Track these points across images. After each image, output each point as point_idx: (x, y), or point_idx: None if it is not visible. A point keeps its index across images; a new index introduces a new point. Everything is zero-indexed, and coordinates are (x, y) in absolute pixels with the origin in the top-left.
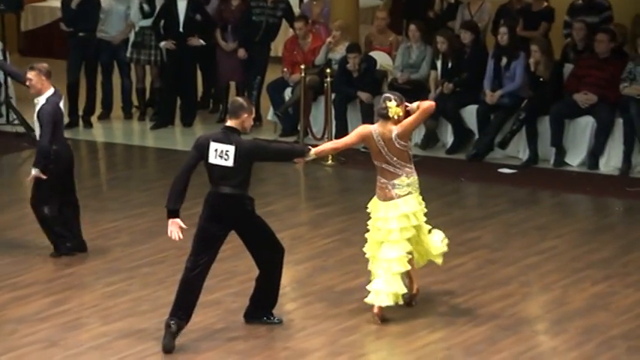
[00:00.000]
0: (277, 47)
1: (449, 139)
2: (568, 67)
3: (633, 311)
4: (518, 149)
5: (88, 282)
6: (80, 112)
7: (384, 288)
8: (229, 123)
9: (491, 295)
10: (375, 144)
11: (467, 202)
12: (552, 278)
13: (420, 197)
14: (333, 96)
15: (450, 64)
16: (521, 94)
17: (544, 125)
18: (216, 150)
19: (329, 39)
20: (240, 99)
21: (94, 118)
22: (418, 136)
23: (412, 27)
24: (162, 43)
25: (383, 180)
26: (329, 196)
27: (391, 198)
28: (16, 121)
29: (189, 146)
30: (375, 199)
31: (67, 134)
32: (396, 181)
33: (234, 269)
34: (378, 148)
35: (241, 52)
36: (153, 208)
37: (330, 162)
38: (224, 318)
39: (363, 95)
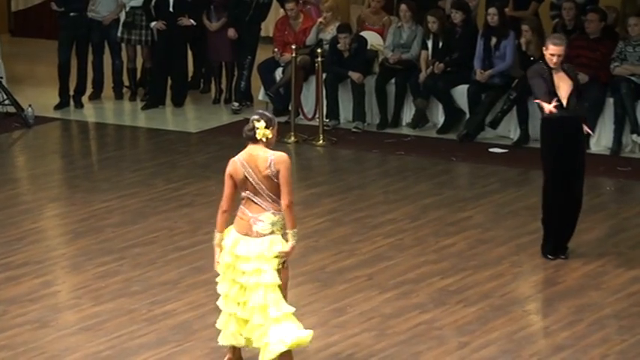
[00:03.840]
0: (268, 27)
1: (440, 119)
2: None
3: (625, 290)
4: (509, 129)
5: (79, 263)
6: (71, 92)
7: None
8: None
9: (483, 275)
10: (241, 171)
11: (458, 182)
12: (543, 258)
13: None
14: (324, 76)
15: (440, 44)
16: (512, 74)
17: (535, 105)
18: None
19: (320, 19)
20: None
21: (84, 98)
22: (408, 115)
23: (403, 7)
24: (153, 24)
25: (246, 212)
26: (320, 177)
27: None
28: (6, 102)
29: (180, 126)
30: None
31: (58, 114)
32: (260, 217)
33: None
34: (244, 175)
35: (231, 32)
36: (144, 188)
37: (321, 142)
38: (215, 298)
39: (354, 75)
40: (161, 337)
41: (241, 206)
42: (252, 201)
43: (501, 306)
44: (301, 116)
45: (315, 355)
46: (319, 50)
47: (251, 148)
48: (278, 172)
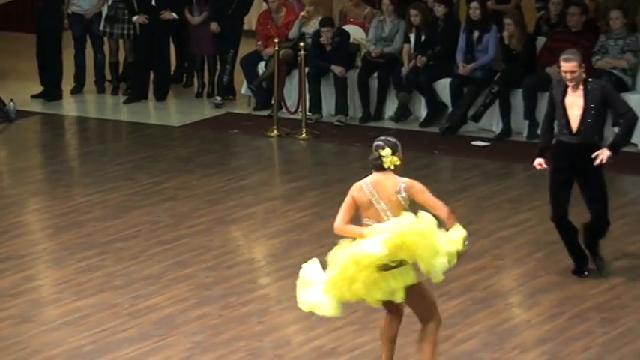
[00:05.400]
0: (250, 21)
1: (422, 112)
2: (541, 41)
3: (606, 283)
4: (492, 122)
5: (61, 257)
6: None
7: None
8: None
9: (465, 268)
10: (367, 198)
11: (440, 176)
12: (525, 251)
13: None
14: (306, 70)
15: (423, 38)
16: (494, 67)
17: (517, 98)
18: None
19: (302, 13)
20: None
21: (67, 92)
22: (391, 109)
23: (385, 0)
24: (135, 17)
25: None
26: (303, 170)
27: None
28: None
29: (163, 120)
30: None
31: (40, 108)
32: None
33: (208, 244)
34: (370, 200)
35: (214, 26)
36: (126, 182)
37: (303, 136)
38: (197, 292)
39: (337, 69)
40: (143, 331)
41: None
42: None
43: (483, 299)
44: (284, 110)
45: (299, 348)
46: (302, 44)
47: (378, 176)
48: (410, 198)
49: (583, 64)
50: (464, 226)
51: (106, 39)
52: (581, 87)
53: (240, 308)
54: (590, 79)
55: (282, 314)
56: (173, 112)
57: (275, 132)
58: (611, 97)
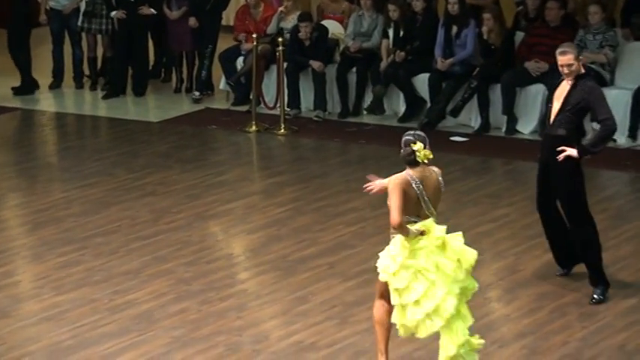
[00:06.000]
0: (229, 16)
1: (401, 107)
2: (519, 36)
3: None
4: (470, 117)
5: (41, 252)
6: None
7: None
8: None
9: None
10: (414, 192)
11: None
12: (505, 246)
13: None
14: (285, 65)
15: (401, 33)
16: (472, 62)
17: (495, 93)
18: None
19: (281, 8)
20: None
21: (45, 87)
22: (365, 102)
23: None
24: (113, 13)
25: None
26: (282, 165)
27: None
28: None
29: (141, 116)
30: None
31: (18, 104)
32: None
33: (187, 239)
34: (417, 196)
35: (192, 21)
36: (105, 177)
37: (282, 131)
38: (177, 287)
39: (315, 64)
40: (123, 326)
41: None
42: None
43: None
44: (262, 105)
45: (278, 343)
46: (280, 39)
47: (418, 170)
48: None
49: (580, 57)
50: (443, 222)
51: (84, 34)
52: (571, 81)
53: (220, 303)
54: (583, 77)
55: (261, 309)
56: (152, 108)
57: (254, 127)
58: (596, 99)
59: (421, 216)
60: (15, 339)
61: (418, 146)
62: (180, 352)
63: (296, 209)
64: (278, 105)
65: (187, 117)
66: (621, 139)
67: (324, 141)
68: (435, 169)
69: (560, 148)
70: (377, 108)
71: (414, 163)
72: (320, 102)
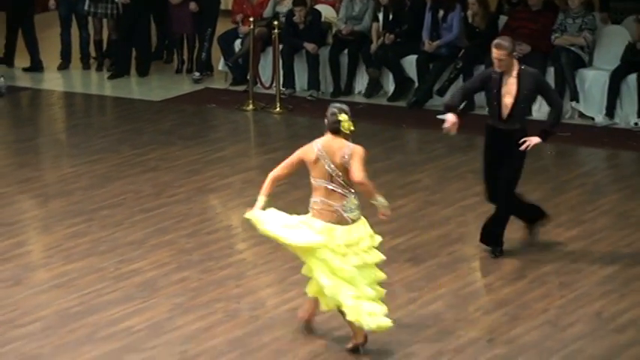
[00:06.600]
0: (227, 0)
1: (390, 87)
2: (503, 19)
3: (564, 249)
4: None
5: (50, 224)
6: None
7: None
8: None
9: (431, 234)
10: (314, 155)
11: (407, 148)
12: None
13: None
14: (280, 47)
15: (391, 16)
16: (458, 44)
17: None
18: None
19: None
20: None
21: (54, 68)
22: (360, 84)
23: None
24: None
25: (328, 201)
26: (277, 142)
27: (346, 222)
28: None
29: (145, 95)
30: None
31: (29, 84)
32: (346, 204)
33: (188, 212)
34: (320, 160)
35: (192, 5)
36: (111, 153)
37: (278, 109)
38: (178, 257)
39: (309, 46)
40: (128, 293)
41: (319, 197)
42: (329, 189)
43: (448, 264)
44: (259, 85)
45: (274, 309)
46: (276, 23)
47: (330, 138)
48: (351, 159)
49: (514, 53)
50: (429, 195)
51: (90, 18)
52: (514, 74)
53: (219, 272)
54: (523, 67)
55: (258, 278)
56: (154, 88)
57: (251, 106)
58: (543, 87)
59: (333, 181)
60: (27, 305)
61: (344, 117)
62: (182, 317)
63: (291, 183)
64: (274, 85)
65: (188, 96)
66: (599, 117)
67: (318, 119)
68: (350, 147)
69: (524, 140)
70: (374, 89)
71: (336, 131)
72: (313, 82)
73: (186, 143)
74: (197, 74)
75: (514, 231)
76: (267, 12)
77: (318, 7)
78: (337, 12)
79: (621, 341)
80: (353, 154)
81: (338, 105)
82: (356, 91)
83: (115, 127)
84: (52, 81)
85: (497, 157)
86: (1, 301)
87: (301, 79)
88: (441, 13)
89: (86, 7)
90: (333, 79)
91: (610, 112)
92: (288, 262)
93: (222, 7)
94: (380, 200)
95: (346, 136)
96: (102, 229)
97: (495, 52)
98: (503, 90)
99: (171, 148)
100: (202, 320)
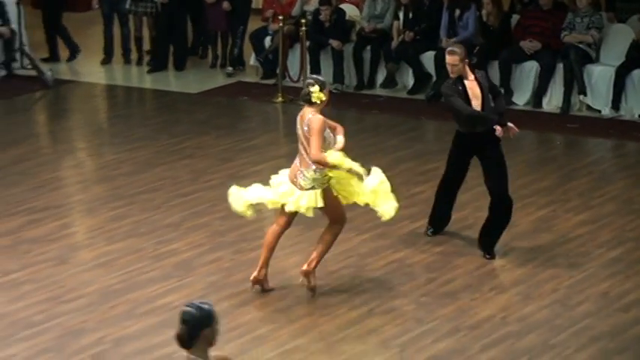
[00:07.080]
0: (258, 0)
1: (410, 81)
2: (515, 18)
3: (573, 233)
4: None
5: (94, 207)
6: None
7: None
8: None
9: None
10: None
11: (426, 138)
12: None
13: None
14: (307, 43)
15: (410, 15)
16: (473, 42)
17: (494, 69)
18: None
19: None
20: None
21: (97, 63)
22: (382, 78)
23: None
24: None
25: (297, 162)
26: None
27: (298, 186)
28: (29, 66)
29: (182, 88)
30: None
31: (74, 77)
32: (304, 172)
33: (221, 196)
34: (300, 132)
35: (225, 5)
36: (150, 142)
37: None
38: (212, 239)
39: (334, 43)
40: (165, 272)
41: (296, 158)
42: (302, 154)
43: (464, 246)
44: (287, 79)
45: (301, 288)
46: (303, 21)
47: (304, 108)
48: (309, 134)
49: (465, 60)
50: None
51: (131, 16)
52: (471, 78)
53: (250, 253)
54: (475, 70)
55: (286, 259)
56: (191, 81)
57: (280, 98)
58: (490, 81)
59: (305, 149)
60: (72, 282)
61: (314, 88)
62: (215, 295)
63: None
64: (301, 78)
65: (222, 89)
66: (605, 110)
67: (342, 111)
68: (311, 118)
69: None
70: (390, 83)
71: (309, 102)
72: (338, 76)
73: (219, 133)
74: (230, 69)
75: (524, 216)
76: (296, 11)
77: (343, 6)
78: (360, 11)
79: (626, 319)
80: (310, 128)
81: (314, 76)
82: (377, 84)
83: (154, 118)
84: (96, 74)
85: (467, 162)
86: (48, 279)
87: (327, 73)
88: (457, 12)
89: (127, 6)
90: (357, 74)
91: (616, 105)
92: (314, 244)
93: (254, 6)
94: (351, 167)
95: (318, 106)
96: (141, 212)
97: (449, 58)
98: (470, 95)
99: (205, 137)
100: (235, 298)
